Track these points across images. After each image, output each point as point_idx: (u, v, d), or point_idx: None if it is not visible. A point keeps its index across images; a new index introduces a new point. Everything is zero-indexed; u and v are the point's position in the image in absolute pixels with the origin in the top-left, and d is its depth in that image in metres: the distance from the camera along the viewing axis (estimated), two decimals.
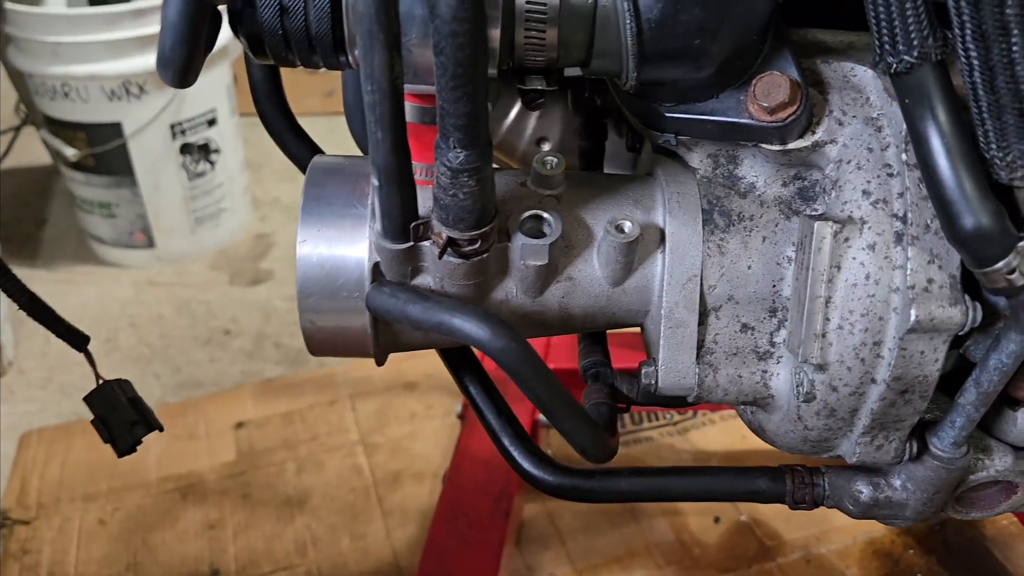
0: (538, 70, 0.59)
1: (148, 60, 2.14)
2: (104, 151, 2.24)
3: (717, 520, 1.61)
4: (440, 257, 0.59)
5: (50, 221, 2.67)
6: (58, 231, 2.62)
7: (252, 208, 2.65)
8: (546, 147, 0.92)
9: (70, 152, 2.23)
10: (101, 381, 0.74)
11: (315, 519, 1.75)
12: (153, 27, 2.11)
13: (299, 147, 0.80)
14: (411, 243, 0.60)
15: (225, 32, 2.01)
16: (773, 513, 1.55)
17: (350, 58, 0.57)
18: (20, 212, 2.68)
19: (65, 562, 1.68)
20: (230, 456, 1.89)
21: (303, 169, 0.80)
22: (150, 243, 2.42)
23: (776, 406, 0.66)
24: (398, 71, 0.51)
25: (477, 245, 0.59)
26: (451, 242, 0.59)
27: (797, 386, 0.62)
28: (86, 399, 0.73)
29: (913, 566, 1.52)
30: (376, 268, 0.63)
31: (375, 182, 0.57)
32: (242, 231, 2.59)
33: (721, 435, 1.80)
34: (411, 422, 1.94)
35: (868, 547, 1.54)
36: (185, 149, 2.31)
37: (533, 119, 0.87)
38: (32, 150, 2.75)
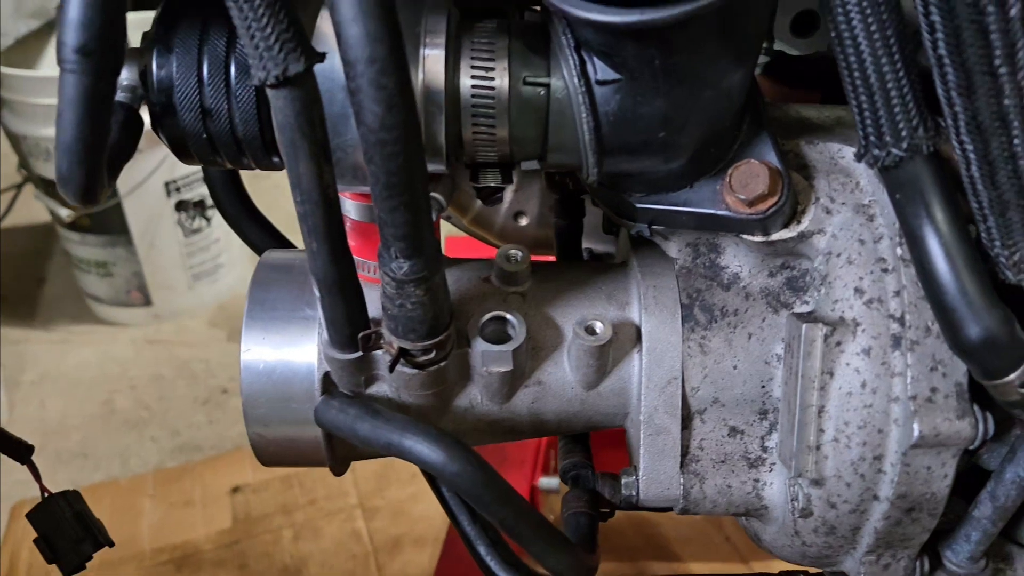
0: (492, 164, 0.54)
1: None
2: (99, 211, 2.21)
3: None
4: (391, 370, 0.54)
5: (49, 280, 2.65)
6: (57, 290, 2.60)
7: (250, 261, 2.61)
8: (524, 221, 0.87)
9: (65, 213, 2.21)
10: (46, 495, 0.69)
11: None
12: None
13: (258, 234, 0.76)
14: (360, 353, 0.55)
15: None
16: None
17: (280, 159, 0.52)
18: (20, 271, 2.66)
19: None
20: (226, 523, 1.84)
21: (260, 255, 0.76)
22: (148, 301, 2.38)
23: (771, 518, 0.60)
24: (328, 179, 0.46)
25: (432, 355, 0.54)
26: (403, 352, 0.54)
27: (792, 500, 0.56)
28: (28, 516, 0.68)
29: None
30: (327, 378, 0.58)
31: (317, 292, 0.52)
32: (241, 285, 2.54)
33: None
34: (412, 483, 1.88)
35: None
36: (180, 206, 2.28)
37: (510, 193, 0.82)
38: (33, 208, 2.74)
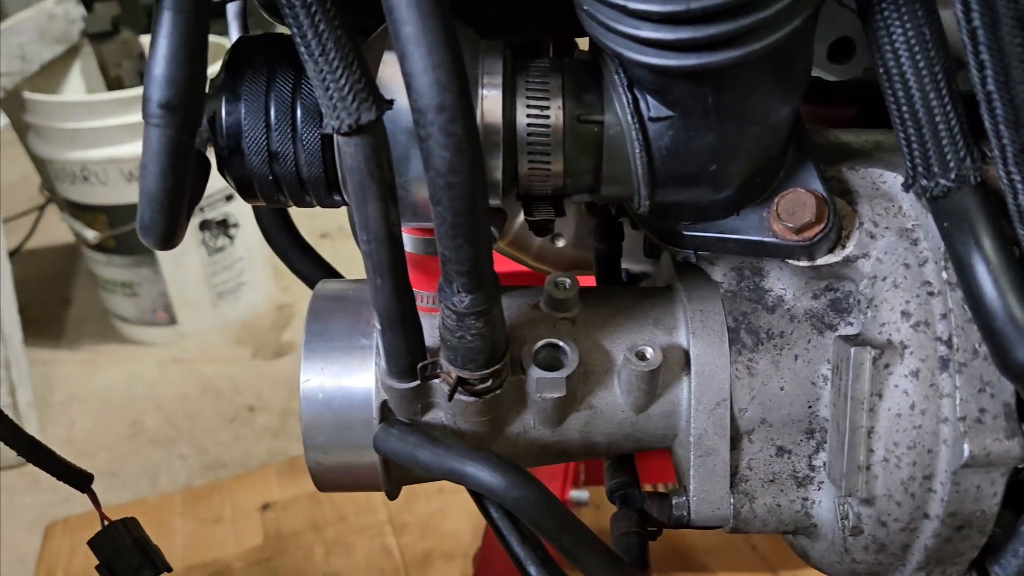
0: (545, 197, 0.56)
1: None
2: (124, 232, 2.24)
3: None
4: (450, 399, 0.56)
5: (74, 301, 2.68)
6: (82, 311, 2.63)
7: (273, 279, 2.64)
8: (561, 243, 0.89)
9: (91, 234, 2.24)
10: (106, 523, 0.70)
11: None
12: None
13: (306, 264, 0.78)
14: (418, 382, 0.56)
15: None
16: None
17: (345, 196, 0.54)
18: (45, 293, 2.69)
19: None
20: (257, 540, 1.86)
21: (310, 285, 0.77)
22: (173, 320, 2.41)
23: (820, 535, 0.61)
24: (394, 219, 0.48)
25: (489, 383, 0.56)
26: (461, 381, 0.55)
27: (842, 519, 0.58)
28: (90, 543, 0.70)
29: None
30: (384, 406, 0.59)
31: (377, 326, 0.53)
32: (264, 303, 2.57)
33: None
34: (439, 497, 1.89)
35: None
36: (204, 226, 2.31)
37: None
38: (55, 230, 2.77)
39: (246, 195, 0.54)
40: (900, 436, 0.54)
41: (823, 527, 0.60)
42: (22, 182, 3.08)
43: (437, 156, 0.43)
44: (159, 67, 0.41)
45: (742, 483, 0.60)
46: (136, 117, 2.10)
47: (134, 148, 2.14)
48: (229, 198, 2.33)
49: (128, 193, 2.20)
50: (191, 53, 0.41)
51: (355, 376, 0.60)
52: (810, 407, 0.59)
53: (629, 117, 0.50)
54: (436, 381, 0.57)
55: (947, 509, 0.54)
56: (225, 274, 2.41)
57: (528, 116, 0.52)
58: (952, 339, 0.53)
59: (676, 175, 0.52)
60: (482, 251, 0.49)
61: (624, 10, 0.42)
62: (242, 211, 2.38)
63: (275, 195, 0.53)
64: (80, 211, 2.26)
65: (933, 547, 0.56)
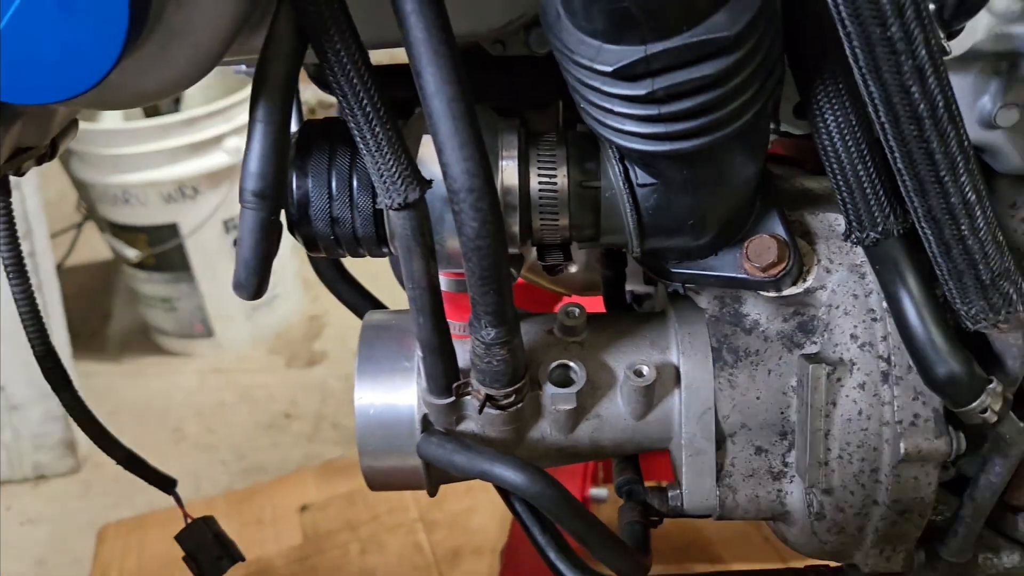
0: (555, 246, 0.67)
1: (200, 164, 2.28)
2: (163, 250, 2.38)
3: None
4: (480, 412, 0.67)
5: (115, 315, 2.82)
6: (123, 325, 2.77)
7: (304, 290, 2.77)
8: (572, 268, 1.00)
9: (132, 253, 2.37)
10: (189, 520, 0.83)
11: None
12: (202, 134, 2.25)
13: (353, 295, 0.90)
14: (453, 399, 0.68)
15: None
16: None
17: (391, 248, 0.66)
18: (86, 308, 2.83)
19: None
20: (296, 540, 1.98)
21: (358, 315, 0.90)
22: (210, 332, 2.54)
23: (793, 520, 0.72)
24: (433, 272, 0.60)
25: (512, 399, 0.67)
26: (489, 398, 0.67)
27: (808, 506, 0.69)
28: (177, 538, 0.82)
29: None
30: (425, 419, 0.71)
31: (420, 353, 0.65)
32: (296, 314, 2.70)
33: None
34: (468, 496, 2.01)
35: None
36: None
37: None
38: (93, 247, 2.91)
39: (312, 249, 0.66)
40: (851, 437, 0.65)
41: (795, 514, 0.72)
42: (58, 201, 3.22)
43: (467, 226, 0.55)
44: (253, 164, 0.53)
45: (726, 478, 0.72)
46: (173, 142, 2.23)
47: (172, 171, 2.27)
48: None
49: (166, 214, 2.33)
50: (277, 154, 0.53)
51: (400, 393, 0.72)
52: (782, 413, 0.71)
53: (621, 183, 0.62)
54: (468, 398, 0.69)
55: (891, 496, 0.65)
56: None
57: (539, 181, 0.64)
58: (891, 357, 0.64)
59: (661, 228, 0.63)
60: (505, 295, 0.60)
61: (611, 111, 0.54)
62: None
63: (336, 250, 0.65)
64: (121, 231, 2.39)
65: (883, 528, 0.67)
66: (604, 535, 0.69)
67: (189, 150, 2.26)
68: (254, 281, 0.56)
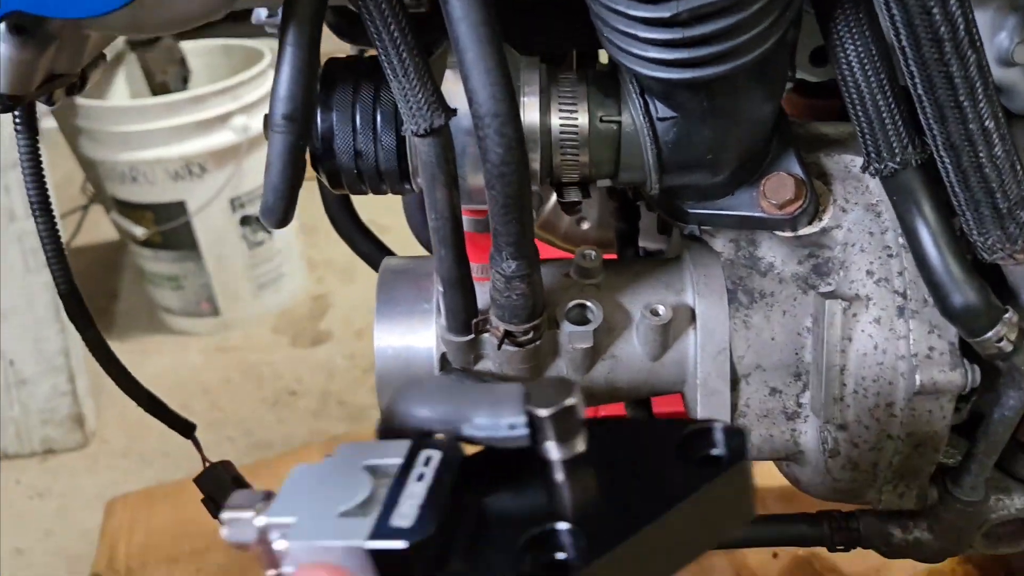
0: (574, 183, 0.68)
1: (207, 142, 2.29)
2: (170, 228, 2.38)
3: (776, 556, 1.66)
4: (499, 348, 0.68)
5: (121, 295, 2.82)
6: (129, 304, 2.77)
7: (308, 271, 2.77)
8: (585, 225, 1.01)
9: (139, 231, 2.38)
10: (207, 464, 0.84)
11: None
12: (210, 111, 2.26)
13: (368, 246, 0.90)
14: (473, 336, 0.69)
15: None
16: None
17: (413, 185, 0.66)
18: (92, 288, 2.84)
19: None
20: None
21: (372, 265, 0.91)
22: (216, 311, 2.55)
23: (806, 460, 0.73)
24: (456, 201, 0.60)
25: (530, 335, 0.68)
26: (507, 334, 0.68)
27: (823, 443, 0.70)
28: (196, 480, 0.83)
29: None
30: (443, 358, 0.72)
31: (440, 288, 0.66)
32: (301, 293, 2.71)
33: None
34: None
35: None
36: (245, 221, 2.45)
37: None
38: (99, 227, 2.92)
39: (335, 185, 0.67)
40: (866, 371, 0.66)
41: (808, 453, 0.73)
42: (64, 183, 3.22)
43: (492, 151, 0.56)
44: (283, 87, 0.54)
45: (741, 418, 0.73)
46: (180, 119, 2.23)
47: (179, 149, 2.28)
48: None
49: (173, 192, 2.33)
50: (307, 77, 0.54)
51: (419, 334, 0.73)
52: (796, 354, 0.71)
53: (641, 118, 0.62)
54: (486, 335, 0.70)
55: (906, 430, 0.66)
56: (265, 267, 2.54)
57: (560, 118, 0.65)
58: (907, 292, 0.65)
59: (680, 163, 0.64)
60: (526, 226, 0.61)
61: (635, 37, 0.54)
62: None
63: (358, 185, 0.66)
64: (128, 209, 2.40)
65: (897, 464, 0.68)
66: None
67: (196, 128, 2.27)
68: (281, 206, 0.57)
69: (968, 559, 1.59)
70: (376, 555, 0.33)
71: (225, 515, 0.40)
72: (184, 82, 2.41)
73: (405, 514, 0.35)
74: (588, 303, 0.71)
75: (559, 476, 0.37)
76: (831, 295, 0.67)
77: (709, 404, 0.72)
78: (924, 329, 0.64)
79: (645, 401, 0.84)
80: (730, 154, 0.64)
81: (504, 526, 0.37)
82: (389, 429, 0.40)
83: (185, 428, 0.84)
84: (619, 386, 0.74)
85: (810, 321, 0.71)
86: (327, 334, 2.60)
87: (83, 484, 2.17)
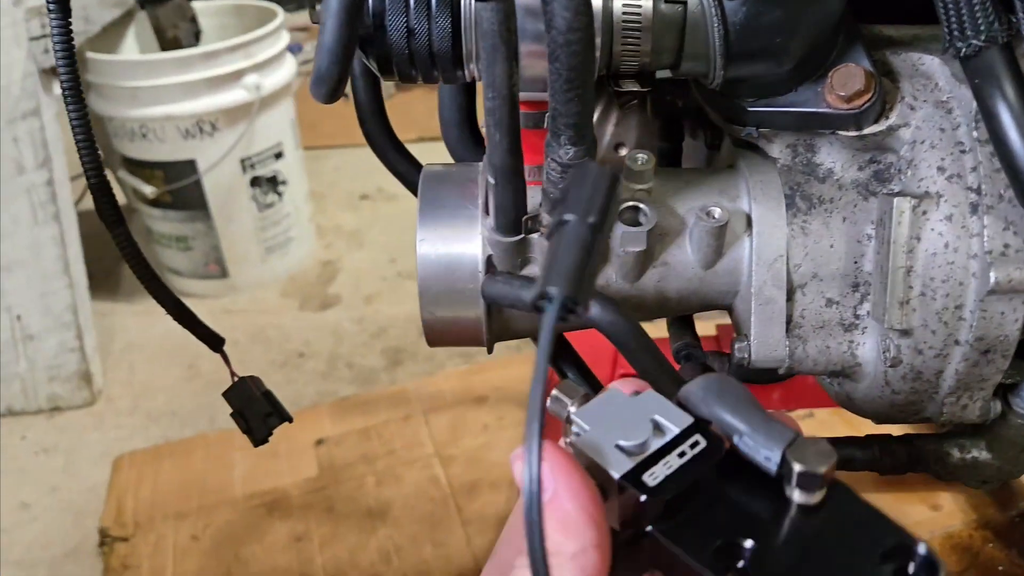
0: (631, 75, 0.65)
1: (219, 99, 2.26)
2: (180, 187, 2.35)
3: None
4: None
5: None
6: None
7: (317, 236, 2.75)
8: (623, 152, 0.98)
9: (148, 190, 2.35)
10: (236, 378, 0.81)
11: (397, 529, 1.82)
12: (222, 68, 2.23)
13: (403, 164, 0.88)
14: (522, 236, 0.66)
15: (288, 70, 2.15)
16: None
17: (466, 72, 0.64)
18: (99, 249, 2.81)
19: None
20: (312, 472, 1.97)
21: (405, 183, 0.88)
22: (224, 273, 2.52)
23: (863, 374, 0.71)
24: (515, 79, 0.58)
25: None
26: None
27: (884, 352, 0.67)
28: (224, 394, 0.80)
29: (993, 559, 1.52)
30: (489, 261, 0.69)
31: (491, 180, 0.63)
32: (309, 258, 2.68)
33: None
34: (484, 433, 2.00)
35: (946, 541, 1.55)
36: (255, 182, 2.42)
37: (611, 126, 0.93)
38: None
39: (384, 71, 0.64)
40: (935, 272, 0.63)
41: (866, 366, 0.70)
42: (70, 148, 3.20)
43: (559, 17, 0.53)
44: None
45: (796, 329, 0.70)
46: (192, 76, 2.21)
47: (190, 106, 2.24)
48: (278, 156, 2.44)
49: (184, 150, 2.30)
50: None
51: (463, 236, 0.70)
52: (856, 263, 0.69)
53: None
54: (536, 236, 0.67)
55: (975, 334, 0.63)
56: (274, 229, 2.51)
57: (623, 2, 0.62)
58: (981, 187, 0.62)
59: (747, 49, 0.61)
60: (588, 108, 0.58)
61: None
62: (290, 169, 2.48)
63: (409, 70, 0.63)
64: (138, 167, 2.37)
65: (963, 371, 0.65)
66: (675, 377, 0.67)
67: (208, 85, 2.24)
68: (335, 72, 0.54)
69: (986, 524, 1.58)
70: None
71: (556, 391, 0.48)
72: (196, 39, 2.38)
73: (655, 474, 0.42)
74: (641, 205, 0.68)
75: (786, 516, 0.42)
76: (899, 193, 0.65)
77: (763, 314, 0.70)
78: (999, 226, 0.62)
79: (689, 323, 0.82)
80: (800, 40, 0.61)
81: (706, 525, 0.42)
82: (682, 403, 0.46)
83: (214, 341, 0.81)
84: (669, 296, 0.72)
85: (871, 228, 0.68)
86: (336, 298, 2.57)
87: (90, 441, 2.15)
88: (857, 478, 0.78)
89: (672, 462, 0.43)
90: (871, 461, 0.76)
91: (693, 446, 0.44)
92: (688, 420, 0.45)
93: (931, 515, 1.48)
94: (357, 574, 1.73)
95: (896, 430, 0.78)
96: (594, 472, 0.43)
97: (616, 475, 0.43)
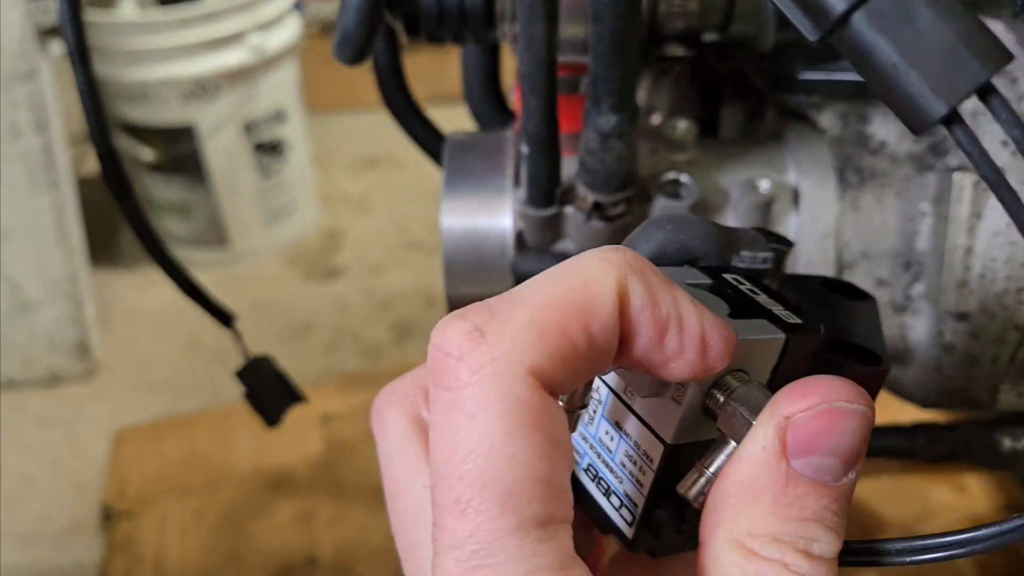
0: (675, 37, 0.61)
1: (220, 61, 2.20)
2: (180, 152, 2.30)
3: None
4: (587, 221, 0.62)
5: (127, 225, 2.74)
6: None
7: (321, 205, 2.70)
8: (656, 119, 0.94)
9: (147, 152, 2.30)
10: (250, 357, 0.77)
11: None
12: (223, 28, 2.17)
13: (421, 128, 0.83)
14: (556, 209, 0.62)
15: (292, 30, 2.07)
16: (871, 494, 1.54)
17: (498, 32, 0.59)
18: (98, 218, 2.76)
19: (168, 552, 1.74)
20: (318, 448, 1.94)
21: (424, 148, 0.83)
22: (225, 242, 2.47)
23: (913, 359, 0.67)
24: (554, 43, 0.53)
25: (620, 209, 0.61)
26: (596, 206, 0.61)
27: (938, 336, 0.64)
28: (238, 374, 0.77)
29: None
30: (520, 235, 0.65)
31: (525, 149, 0.59)
32: (313, 227, 2.63)
33: None
34: None
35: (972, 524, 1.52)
36: (257, 147, 2.37)
37: (643, 92, 0.89)
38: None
39: (412, 31, 0.59)
40: (997, 252, 0.59)
41: (916, 351, 0.66)
42: (66, 116, 3.14)
43: None
44: None
45: None
46: (193, 36, 2.15)
47: (191, 67, 2.19)
48: (282, 120, 2.38)
49: (184, 113, 2.25)
50: None
51: (492, 209, 0.66)
52: (908, 241, 0.65)
53: None
54: (570, 210, 0.63)
55: None
56: (277, 198, 2.46)
57: None
58: None
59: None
60: (630, 75, 0.54)
61: None
62: (293, 134, 2.43)
63: (437, 30, 0.59)
64: (137, 132, 2.31)
65: (1021, 358, 0.62)
66: None
67: (209, 46, 2.18)
68: (363, 32, 0.50)
69: (1012, 506, 1.55)
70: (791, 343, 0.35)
71: None
72: None
73: (786, 315, 0.35)
74: (683, 178, 0.64)
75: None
76: (959, 168, 0.61)
77: None
78: None
79: None
80: None
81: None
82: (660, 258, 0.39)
83: (224, 317, 0.77)
84: None
85: (925, 204, 0.64)
86: (340, 269, 2.53)
87: (90, 413, 2.12)
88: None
89: (764, 300, 0.36)
90: (915, 450, 0.72)
91: (738, 282, 0.38)
92: (688, 271, 0.38)
93: (957, 497, 1.46)
94: (365, 551, 1.70)
95: (912, 415, 0.75)
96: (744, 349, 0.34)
97: (781, 336, 0.34)
